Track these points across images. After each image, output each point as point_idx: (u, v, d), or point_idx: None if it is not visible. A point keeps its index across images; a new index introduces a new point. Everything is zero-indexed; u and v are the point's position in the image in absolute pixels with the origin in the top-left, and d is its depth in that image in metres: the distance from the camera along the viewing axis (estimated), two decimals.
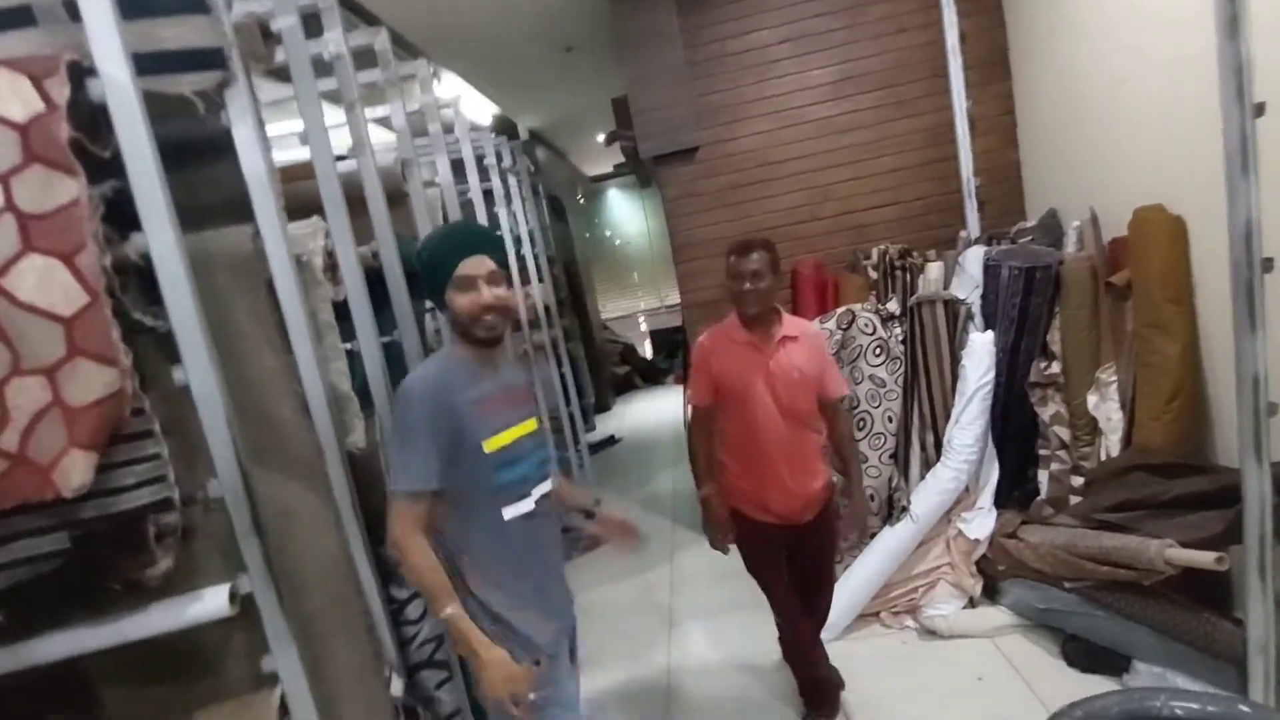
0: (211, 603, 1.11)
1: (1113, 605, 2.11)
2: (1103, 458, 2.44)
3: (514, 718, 1.27)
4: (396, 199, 2.16)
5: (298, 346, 1.51)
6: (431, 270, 1.37)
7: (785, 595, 2.11)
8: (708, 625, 2.88)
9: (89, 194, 0.95)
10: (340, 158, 1.91)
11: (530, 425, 1.45)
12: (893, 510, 2.76)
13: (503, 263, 1.40)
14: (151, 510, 1.03)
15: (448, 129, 3.02)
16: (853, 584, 2.63)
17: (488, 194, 3.75)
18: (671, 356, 8.02)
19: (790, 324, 1.96)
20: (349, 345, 1.72)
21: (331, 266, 1.76)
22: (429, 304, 1.90)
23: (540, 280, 4.29)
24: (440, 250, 1.38)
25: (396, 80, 2.16)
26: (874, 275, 3.03)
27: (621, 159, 5.00)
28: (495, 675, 1.26)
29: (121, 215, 1.03)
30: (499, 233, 1.70)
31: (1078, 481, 2.51)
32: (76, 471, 0.92)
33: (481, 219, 3.13)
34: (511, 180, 4.03)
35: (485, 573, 1.36)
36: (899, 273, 2.93)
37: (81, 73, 0.98)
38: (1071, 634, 2.23)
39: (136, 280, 1.08)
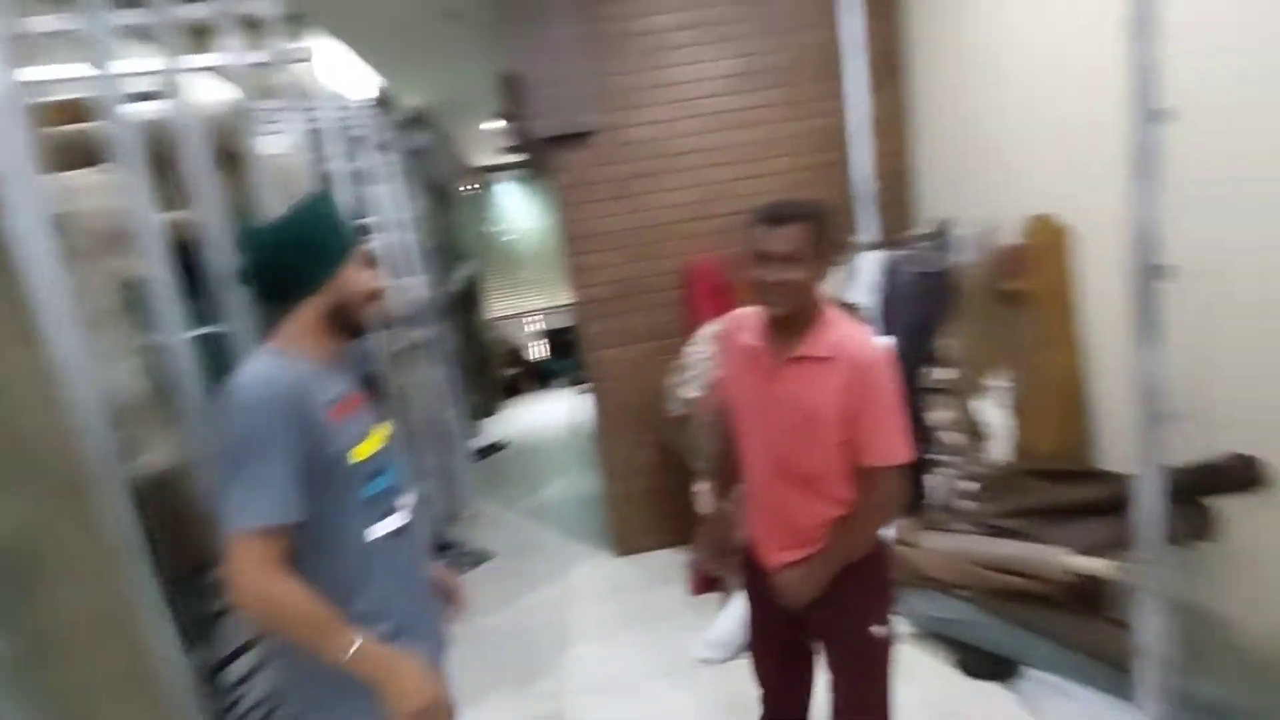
0: None
1: (1006, 613, 2.10)
2: (991, 462, 2.47)
3: None
4: (233, 161, 1.77)
5: (57, 337, 1.13)
6: (323, 238, 1.14)
7: (763, 672, 1.60)
8: (595, 649, 2.65)
9: None
10: (144, 96, 1.51)
11: (386, 428, 1.25)
12: None
13: None
14: None
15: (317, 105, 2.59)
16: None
17: (356, 173, 3.33)
18: (563, 358, 7.73)
19: (828, 336, 1.30)
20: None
21: (124, 235, 1.37)
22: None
23: (418, 274, 3.89)
24: (336, 220, 1.18)
25: (232, 15, 1.76)
26: None
27: (511, 149, 4.66)
28: (413, 682, 1.06)
29: None
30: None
31: (969, 487, 2.52)
32: None
33: (346, 201, 2.72)
34: (387, 159, 3.61)
35: (345, 610, 1.08)
36: None
37: None
38: (965, 642, 2.21)
39: None
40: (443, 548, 3.58)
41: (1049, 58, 2.25)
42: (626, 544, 3.36)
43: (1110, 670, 1.88)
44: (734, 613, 2.49)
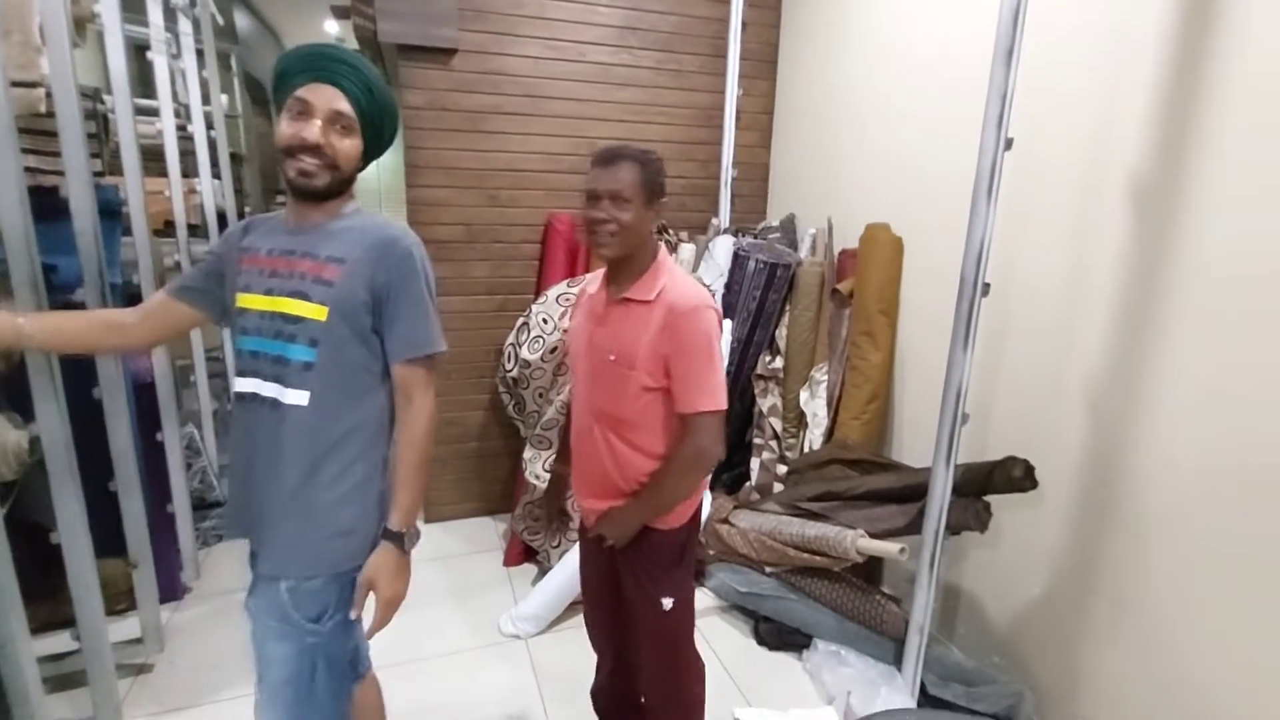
0: None
1: (803, 588, 2.26)
2: (807, 449, 2.63)
3: None
4: None
5: None
6: (272, 91, 1.15)
7: (593, 635, 1.67)
8: (396, 624, 2.42)
9: None
10: None
11: (289, 305, 1.14)
12: None
13: (360, 108, 1.15)
14: None
15: None
16: (563, 569, 2.44)
17: (143, 47, 2.69)
18: None
19: (656, 282, 1.32)
20: None
21: None
22: None
23: (217, 178, 3.26)
24: (284, 64, 1.14)
25: None
26: None
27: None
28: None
29: None
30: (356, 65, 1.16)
31: (783, 470, 2.67)
32: None
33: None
34: (186, 31, 2.96)
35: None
36: None
37: None
38: (765, 615, 2.34)
39: None
40: (211, 505, 3.08)
41: (908, 74, 2.40)
42: (440, 510, 3.14)
43: (882, 640, 2.09)
44: (547, 586, 2.41)
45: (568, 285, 2.77)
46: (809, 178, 3.00)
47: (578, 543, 2.52)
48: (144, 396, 2.31)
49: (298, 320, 1.13)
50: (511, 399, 2.92)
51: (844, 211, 2.72)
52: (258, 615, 1.22)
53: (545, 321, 2.75)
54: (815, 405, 2.62)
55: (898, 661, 2.04)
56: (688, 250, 2.86)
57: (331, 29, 5.11)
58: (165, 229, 2.96)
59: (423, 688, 2.09)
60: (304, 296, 1.13)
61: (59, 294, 1.72)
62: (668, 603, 1.41)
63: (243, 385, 1.18)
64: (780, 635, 2.30)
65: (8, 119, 1.41)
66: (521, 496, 2.82)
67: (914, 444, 2.44)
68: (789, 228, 2.96)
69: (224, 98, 4.34)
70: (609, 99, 2.96)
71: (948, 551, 2.07)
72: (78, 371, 1.74)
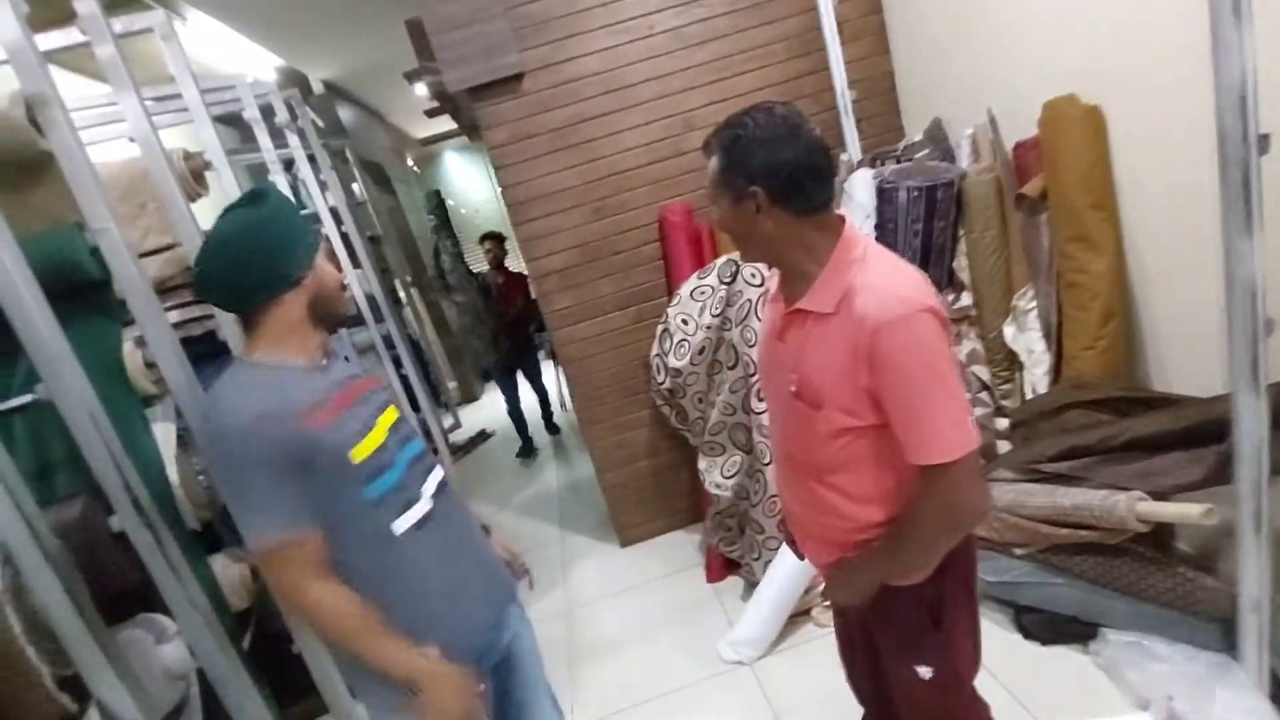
0: None
1: (1072, 569, 1.82)
2: (1027, 395, 2.15)
3: None
4: (28, 166, 1.36)
5: None
6: (295, 236, 1.09)
7: (851, 679, 1.43)
8: (611, 665, 2.36)
9: None
10: None
11: (392, 413, 1.19)
12: None
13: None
14: None
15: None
16: (771, 586, 2.21)
17: (277, 162, 2.87)
18: (540, 329, 7.30)
19: (836, 284, 0.99)
20: None
21: None
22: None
23: (357, 266, 3.46)
24: (297, 210, 1.16)
25: None
26: None
27: (436, 111, 4.15)
28: (449, 693, 1.05)
29: None
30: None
31: (1004, 424, 2.22)
32: None
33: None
34: (296, 144, 3.14)
35: (384, 608, 1.08)
36: None
37: None
38: (1026, 605, 1.94)
39: None
40: None
41: None
42: (631, 532, 3.06)
43: (1198, 622, 1.61)
44: (759, 605, 2.21)
45: (698, 278, 2.54)
46: (949, 69, 2.46)
47: (782, 550, 2.30)
48: None
49: (403, 420, 1.21)
50: (672, 410, 2.75)
51: (1007, 96, 2.17)
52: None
53: (685, 322, 2.54)
54: (1027, 340, 2.13)
55: (1229, 649, 1.56)
56: None
57: (420, 91, 5.29)
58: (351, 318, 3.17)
59: None
60: (389, 403, 1.20)
61: None
62: (924, 672, 1.12)
63: (410, 517, 1.11)
64: (1053, 626, 1.89)
65: (145, 290, 1.43)
66: (709, 508, 2.65)
67: (1181, 368, 1.87)
68: (937, 137, 2.45)
69: (355, 187, 4.67)
70: (690, 63, 2.66)
71: (1273, 499, 1.54)
72: None
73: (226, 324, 1.69)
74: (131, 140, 1.63)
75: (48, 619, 1.07)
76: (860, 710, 1.47)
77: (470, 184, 8.76)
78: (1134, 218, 1.89)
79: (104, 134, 2.28)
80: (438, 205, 4.96)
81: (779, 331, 1.09)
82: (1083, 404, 1.89)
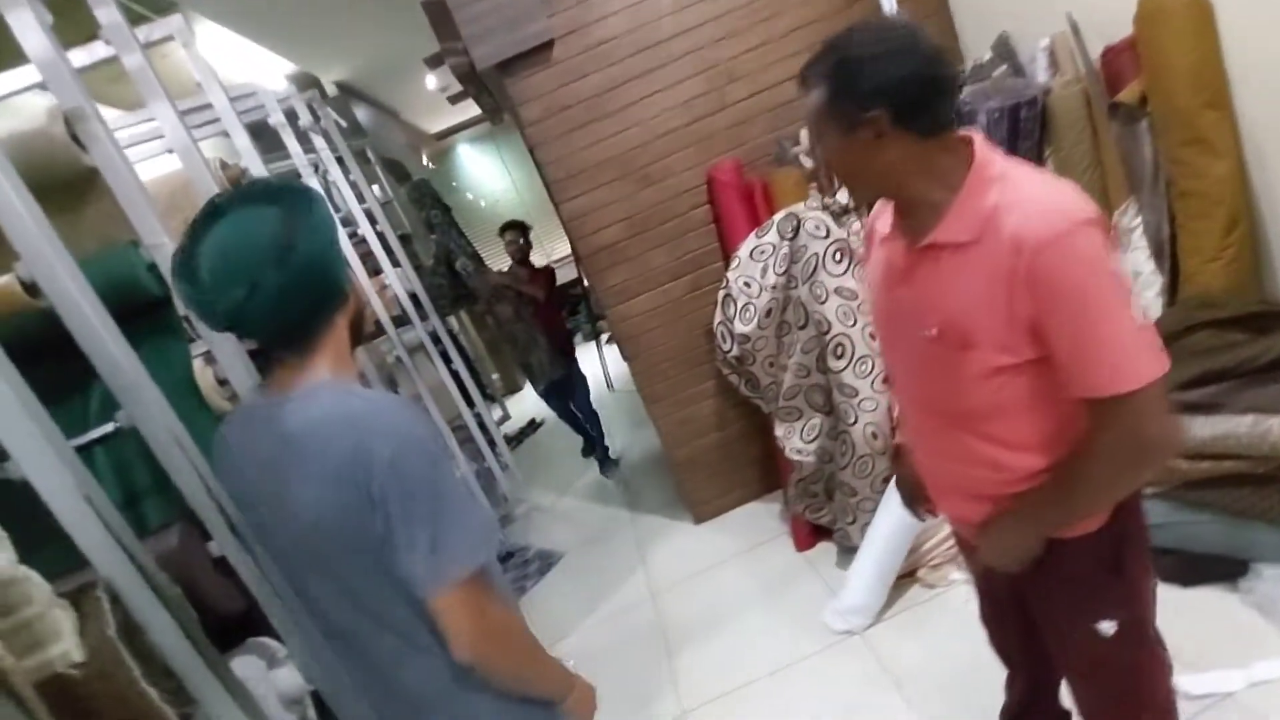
0: None
1: (1214, 504, 1.67)
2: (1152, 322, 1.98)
3: None
4: (74, 184, 1.29)
5: None
6: (335, 238, 0.89)
7: (996, 643, 1.32)
8: (712, 647, 2.28)
9: None
10: None
11: None
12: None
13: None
14: None
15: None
16: (872, 549, 2.11)
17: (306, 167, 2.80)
18: (574, 314, 7.22)
19: (977, 207, 0.86)
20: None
21: None
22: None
23: (396, 265, 3.39)
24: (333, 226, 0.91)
25: None
26: (809, 164, 2.41)
27: (460, 96, 4.03)
28: (591, 699, 1.10)
29: None
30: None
31: None
32: None
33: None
34: (322, 146, 3.06)
35: None
36: None
37: None
38: (1163, 548, 1.80)
39: None
40: (504, 559, 3.23)
41: None
42: (704, 508, 2.97)
43: None
44: (862, 571, 2.10)
45: (757, 237, 2.41)
46: None
47: (880, 511, 2.18)
48: None
49: None
50: (741, 379, 2.64)
51: (1085, 2, 1.98)
52: None
53: (748, 285, 2.41)
54: (1134, 260, 1.95)
55: None
56: None
57: (431, 83, 5.17)
58: (375, 331, 3.11)
59: (777, 707, 1.92)
60: None
61: None
62: (1107, 627, 1.00)
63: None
64: (1194, 567, 1.74)
65: None
66: (791, 475, 2.54)
67: None
68: (1006, 54, 2.26)
69: (374, 188, 4.59)
70: (726, 9, 2.49)
71: None
72: None
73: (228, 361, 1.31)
74: (170, 152, 1.56)
75: (164, 656, 1.01)
76: (1000, 673, 1.36)
77: (486, 174, 8.64)
78: (1252, 115, 1.70)
79: (135, 154, 2.22)
80: (434, 198, 3.91)
81: (901, 274, 0.97)
82: (1213, 323, 1.72)
